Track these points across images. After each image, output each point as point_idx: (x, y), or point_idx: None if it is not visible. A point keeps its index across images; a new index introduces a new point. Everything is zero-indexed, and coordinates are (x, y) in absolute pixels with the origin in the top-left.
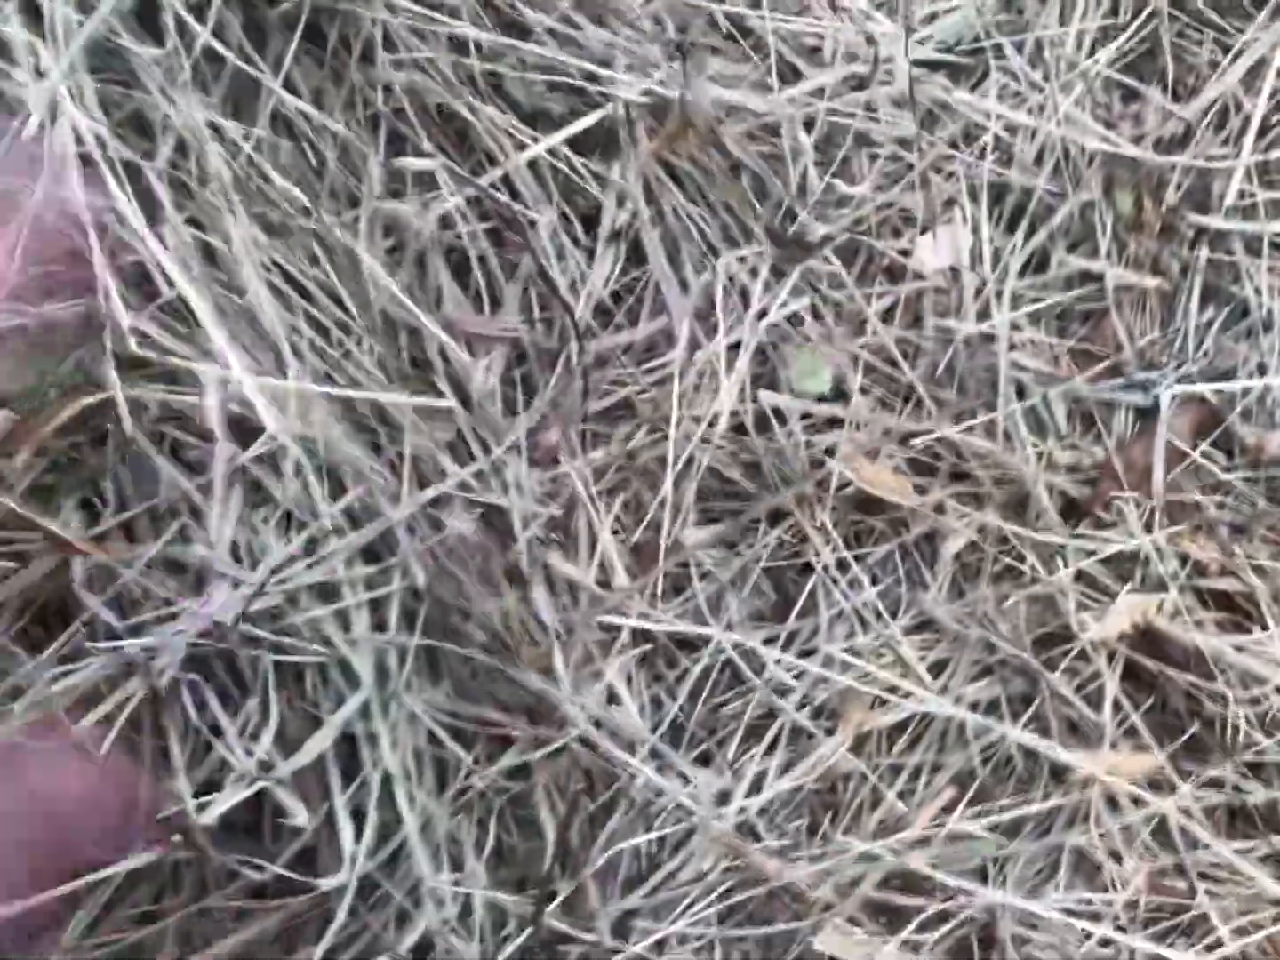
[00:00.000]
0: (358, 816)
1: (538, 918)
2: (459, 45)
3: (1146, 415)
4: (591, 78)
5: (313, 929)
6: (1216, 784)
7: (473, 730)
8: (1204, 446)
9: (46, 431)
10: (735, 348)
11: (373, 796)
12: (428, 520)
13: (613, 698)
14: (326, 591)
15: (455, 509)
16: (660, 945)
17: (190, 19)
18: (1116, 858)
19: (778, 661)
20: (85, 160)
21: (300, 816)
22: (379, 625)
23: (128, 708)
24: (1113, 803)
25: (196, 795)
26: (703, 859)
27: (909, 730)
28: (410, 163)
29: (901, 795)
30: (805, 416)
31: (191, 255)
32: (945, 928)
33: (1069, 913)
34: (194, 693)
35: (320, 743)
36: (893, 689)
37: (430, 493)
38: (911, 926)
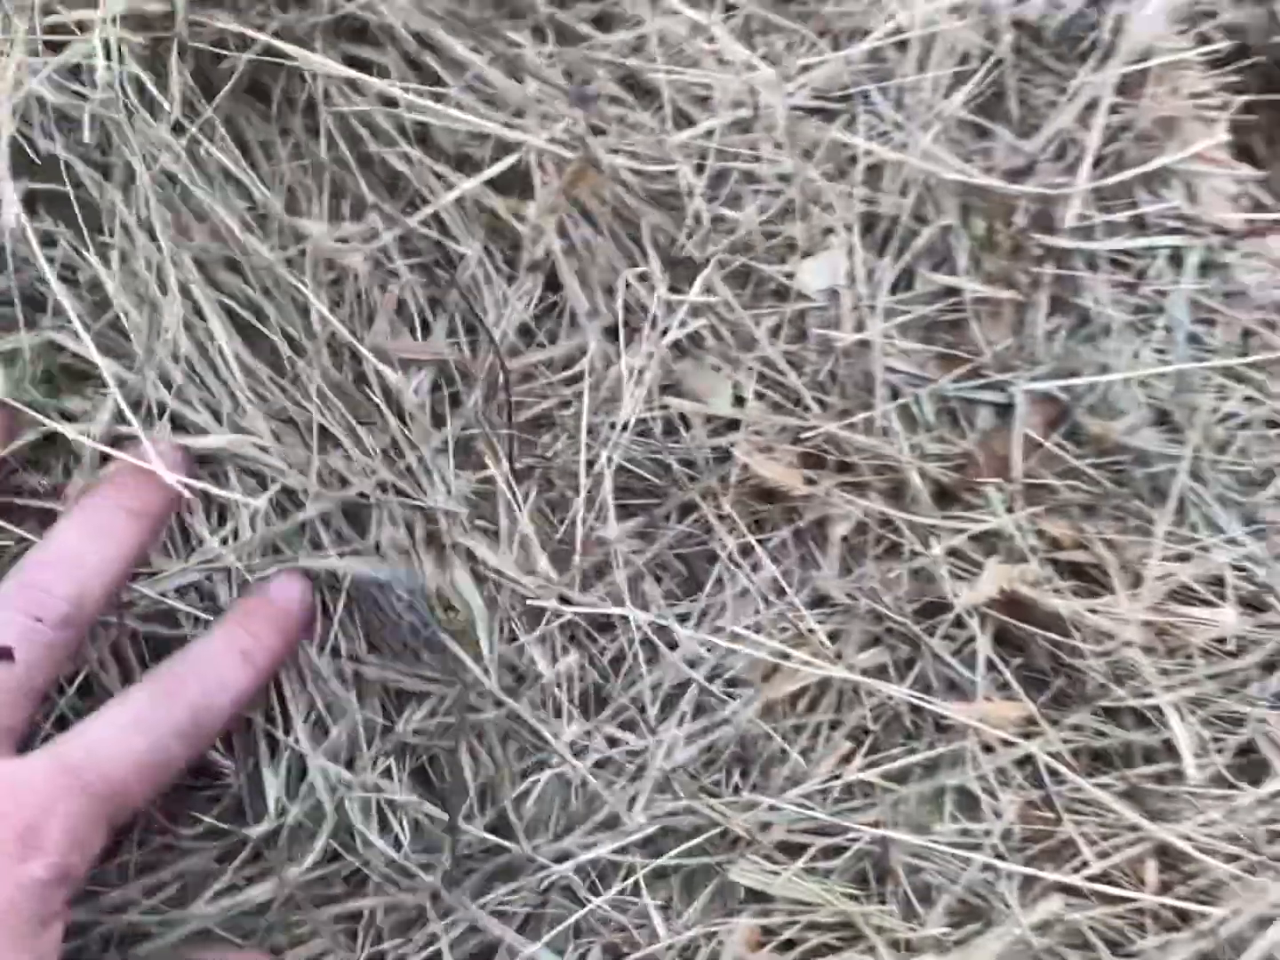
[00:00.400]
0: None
1: (453, 825)
2: (389, 100)
3: (1004, 411)
4: (508, 126)
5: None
6: (1078, 729)
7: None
8: (1055, 437)
9: None
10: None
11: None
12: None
13: (535, 676)
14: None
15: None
16: (589, 873)
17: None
18: (993, 795)
19: (690, 636)
20: None
21: (224, 766)
22: None
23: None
24: (988, 747)
25: None
26: (628, 806)
27: (809, 694)
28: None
29: (804, 752)
30: (708, 420)
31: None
32: (843, 859)
33: (953, 844)
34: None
35: None
36: (787, 656)
37: (350, 491)
38: (810, 853)
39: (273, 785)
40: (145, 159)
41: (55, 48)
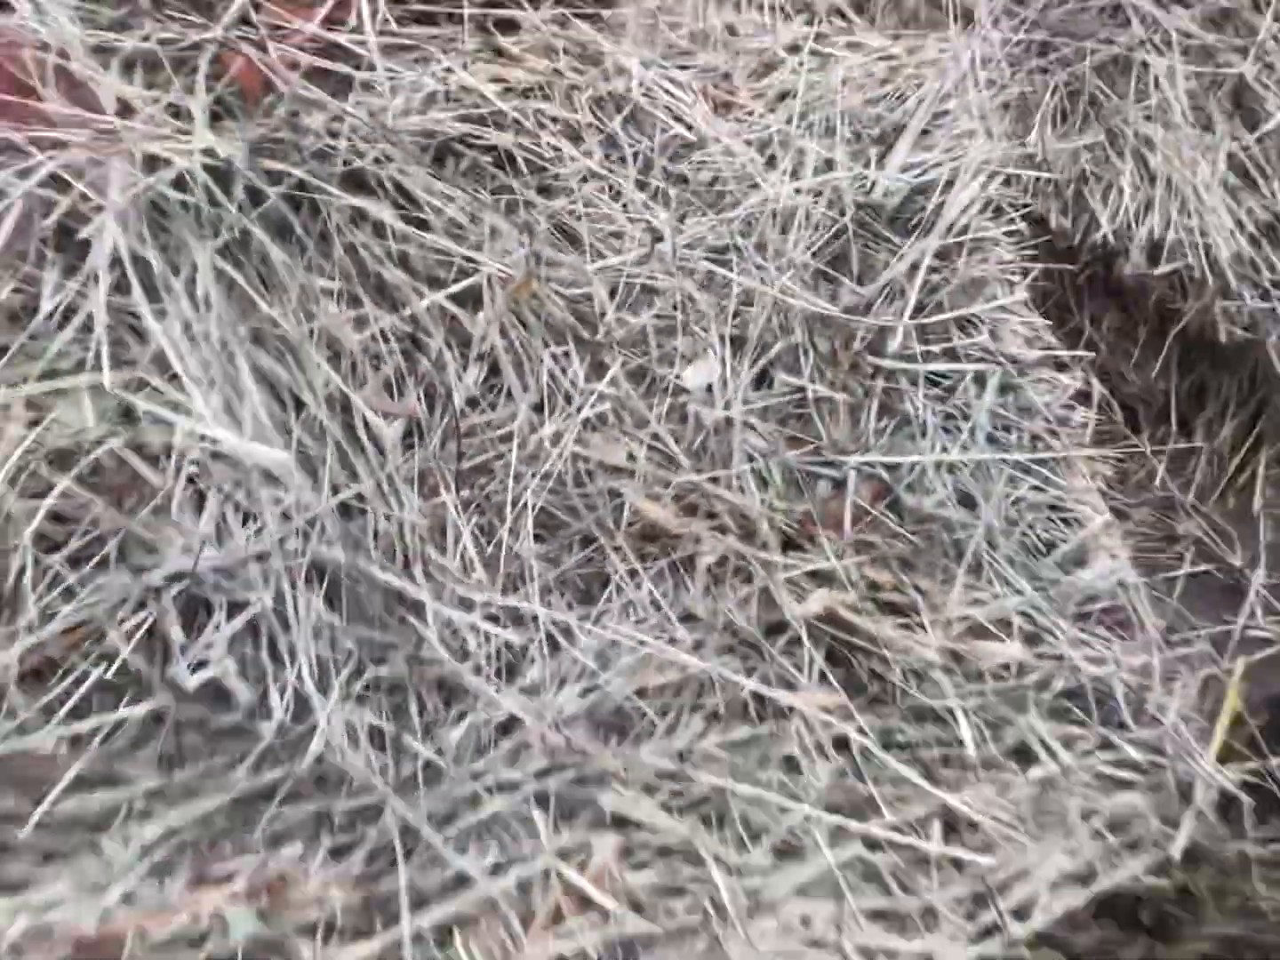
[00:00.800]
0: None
1: (400, 745)
2: (381, 231)
3: (840, 484)
4: (468, 259)
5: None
6: (887, 729)
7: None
8: (880, 507)
9: None
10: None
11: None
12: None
13: (467, 653)
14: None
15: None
16: (493, 790)
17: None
18: (812, 760)
19: (588, 632)
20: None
21: (244, 695)
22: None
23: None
24: (810, 726)
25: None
26: (528, 751)
27: (674, 685)
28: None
29: (669, 728)
30: (608, 472)
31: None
32: (689, 800)
33: (780, 795)
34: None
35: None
36: (664, 655)
37: (342, 495)
38: (662, 794)
39: (278, 706)
40: (209, 249)
41: (152, 167)
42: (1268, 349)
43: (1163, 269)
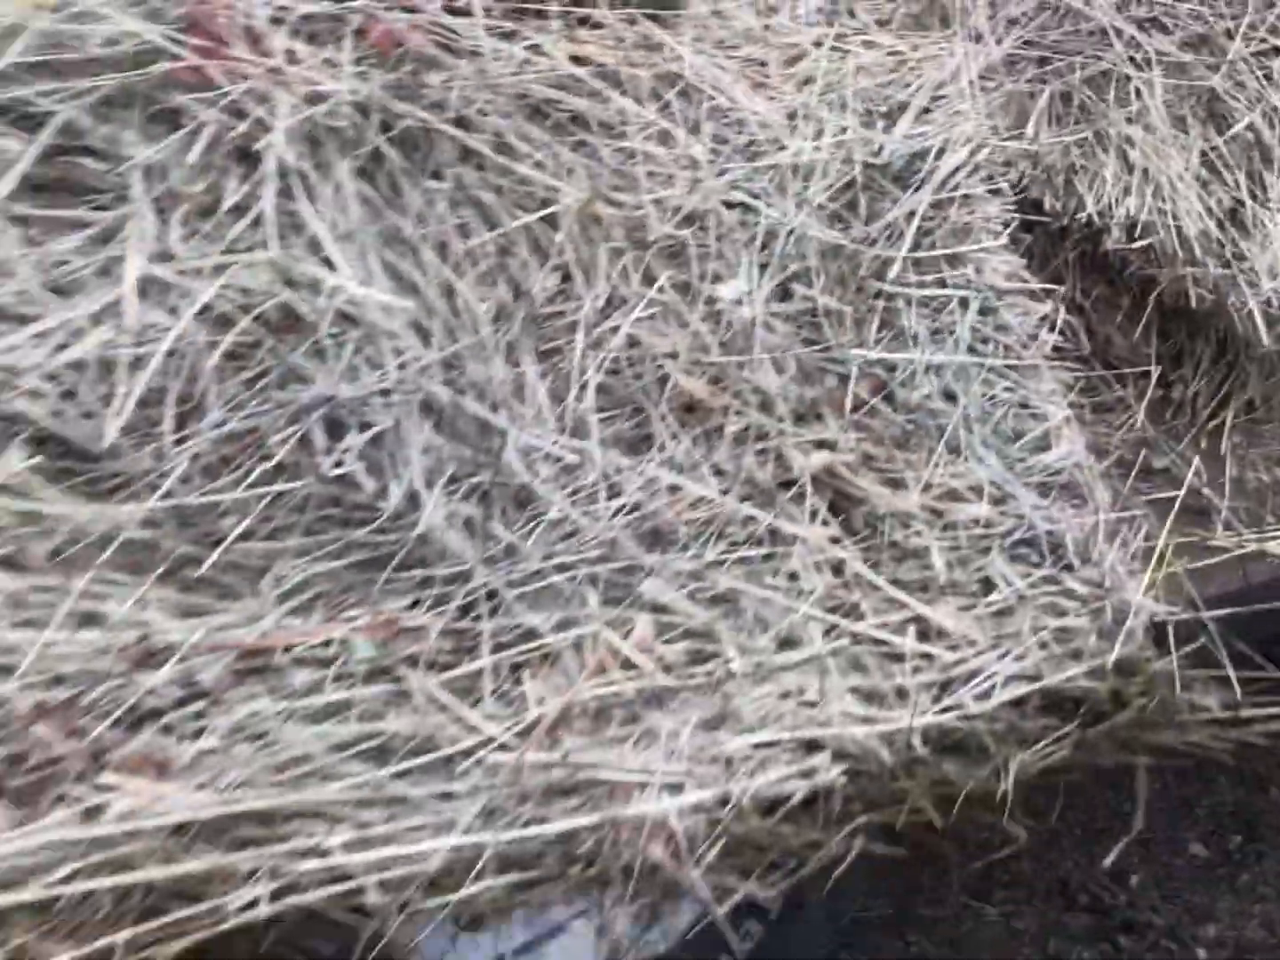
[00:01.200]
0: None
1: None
2: (481, 164)
3: (844, 378)
4: (549, 188)
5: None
6: (875, 555)
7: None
8: (878, 400)
9: None
10: None
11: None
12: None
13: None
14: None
15: None
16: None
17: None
18: (811, 574)
19: (639, 473)
20: None
21: (369, 485)
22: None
23: None
24: (811, 550)
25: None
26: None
27: (701, 519)
28: None
29: (695, 555)
30: (655, 360)
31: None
32: (710, 595)
33: (784, 597)
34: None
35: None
36: (696, 491)
37: (445, 352)
38: (689, 590)
39: (395, 495)
40: (350, 167)
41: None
42: (1230, 310)
43: (1139, 244)
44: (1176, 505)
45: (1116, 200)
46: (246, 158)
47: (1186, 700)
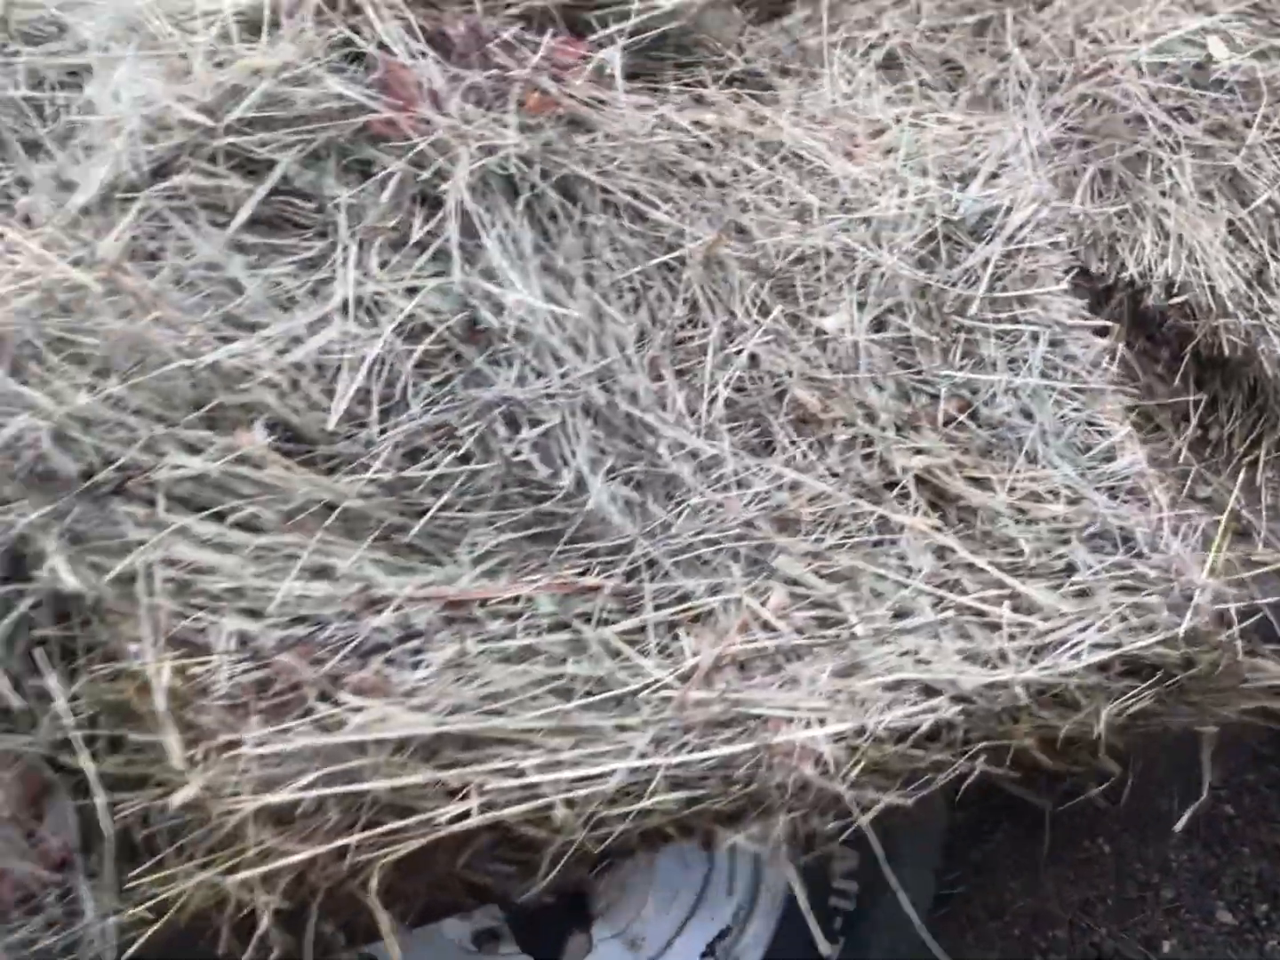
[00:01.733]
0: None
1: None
2: (618, 212)
3: (934, 398)
4: (677, 232)
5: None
6: (971, 543)
7: None
8: (963, 416)
9: None
10: None
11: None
12: None
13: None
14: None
15: None
16: (706, 546)
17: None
18: (917, 557)
19: (766, 470)
20: None
21: (543, 470)
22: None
23: None
24: (916, 537)
25: None
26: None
27: (820, 513)
28: None
29: (820, 535)
30: (773, 375)
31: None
32: (832, 573)
33: (897, 575)
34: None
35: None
36: (813, 487)
37: (599, 364)
38: (813, 568)
39: (566, 479)
40: (518, 206)
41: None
42: (1260, 357)
43: (1176, 300)
44: (1226, 516)
45: (1155, 262)
46: (427, 200)
47: (1249, 664)
